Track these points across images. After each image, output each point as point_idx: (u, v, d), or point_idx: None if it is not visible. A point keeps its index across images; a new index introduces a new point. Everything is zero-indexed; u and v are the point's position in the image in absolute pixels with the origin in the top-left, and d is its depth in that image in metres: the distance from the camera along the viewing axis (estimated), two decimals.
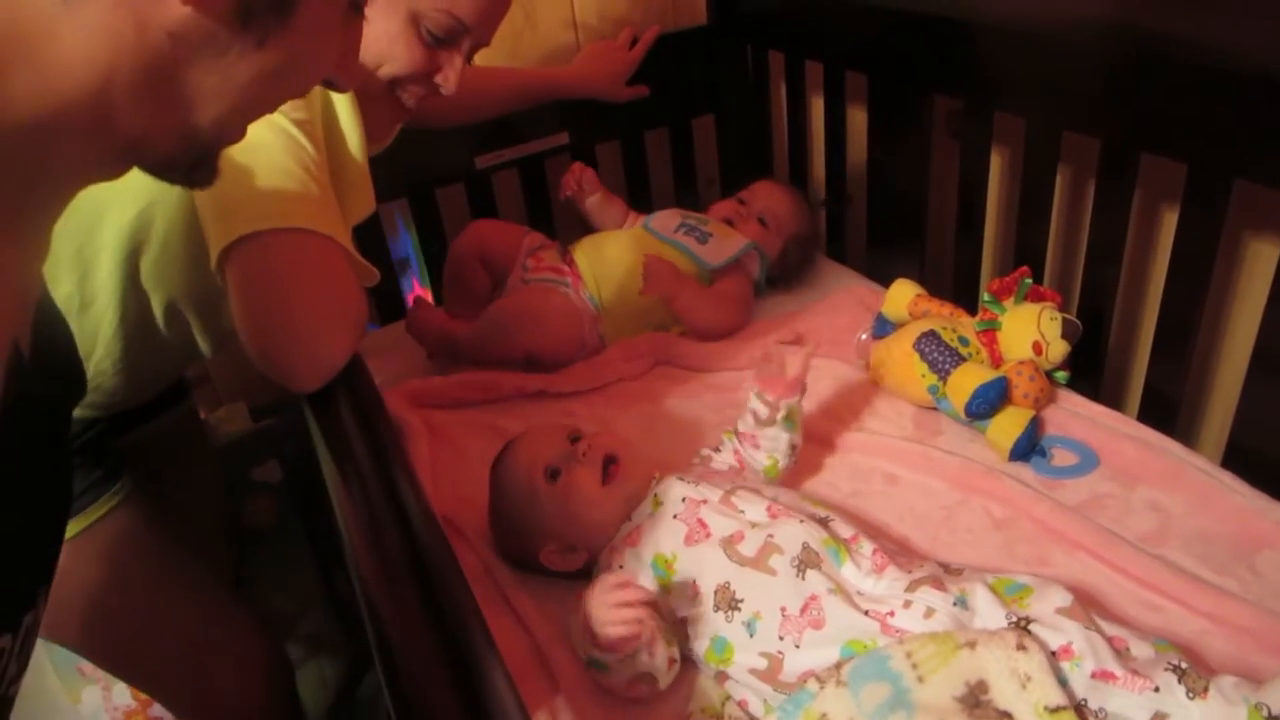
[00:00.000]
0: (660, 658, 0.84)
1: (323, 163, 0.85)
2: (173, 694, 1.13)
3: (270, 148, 0.81)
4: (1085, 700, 0.74)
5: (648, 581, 0.91)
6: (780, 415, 1.01)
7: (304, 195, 0.81)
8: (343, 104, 0.91)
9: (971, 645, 0.76)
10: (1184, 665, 0.74)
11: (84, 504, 0.96)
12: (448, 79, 0.99)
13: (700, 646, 0.87)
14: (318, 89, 0.88)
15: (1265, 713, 0.70)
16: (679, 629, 0.88)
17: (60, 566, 0.94)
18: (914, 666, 0.75)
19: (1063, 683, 0.75)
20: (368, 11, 0.92)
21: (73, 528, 0.95)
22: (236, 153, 0.80)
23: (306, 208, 0.80)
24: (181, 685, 1.11)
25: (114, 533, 0.99)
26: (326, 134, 0.88)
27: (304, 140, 0.83)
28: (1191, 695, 0.72)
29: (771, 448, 1.03)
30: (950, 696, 0.74)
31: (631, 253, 1.42)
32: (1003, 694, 0.73)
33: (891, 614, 0.81)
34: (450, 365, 1.38)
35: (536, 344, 1.33)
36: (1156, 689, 0.73)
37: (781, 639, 0.82)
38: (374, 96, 0.98)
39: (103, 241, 0.88)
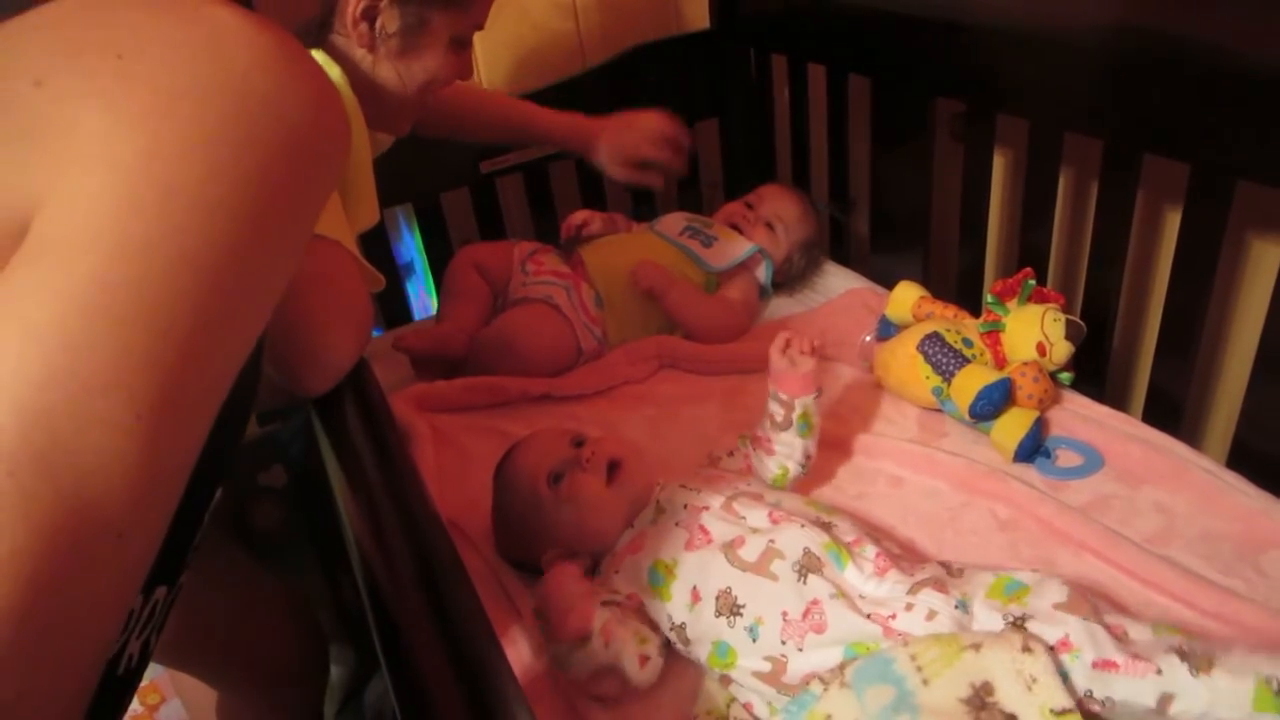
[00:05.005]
0: (625, 652, 0.84)
1: None
2: (218, 670, 1.14)
3: None
4: (1090, 691, 0.74)
5: (643, 588, 0.91)
6: (795, 415, 1.01)
7: None
8: (350, 112, 0.91)
9: (976, 647, 0.75)
10: (1185, 647, 0.73)
11: None
12: (468, 72, 1.11)
13: (703, 651, 0.87)
14: None
15: (1274, 686, 0.69)
16: (680, 633, 0.88)
17: None
18: (919, 669, 0.75)
19: (1064, 677, 0.74)
20: (416, 53, 1.00)
21: None
22: None
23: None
24: (226, 659, 1.12)
25: None
26: None
27: None
28: (1195, 673, 0.71)
29: (786, 454, 1.03)
30: (955, 699, 0.73)
31: (637, 253, 1.43)
32: (1008, 696, 0.73)
33: (894, 616, 0.81)
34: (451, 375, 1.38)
35: (525, 370, 1.34)
36: (1159, 671, 0.72)
37: (784, 643, 0.82)
38: (406, 106, 1.05)
39: None
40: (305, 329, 0.81)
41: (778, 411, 1.02)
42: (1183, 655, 0.73)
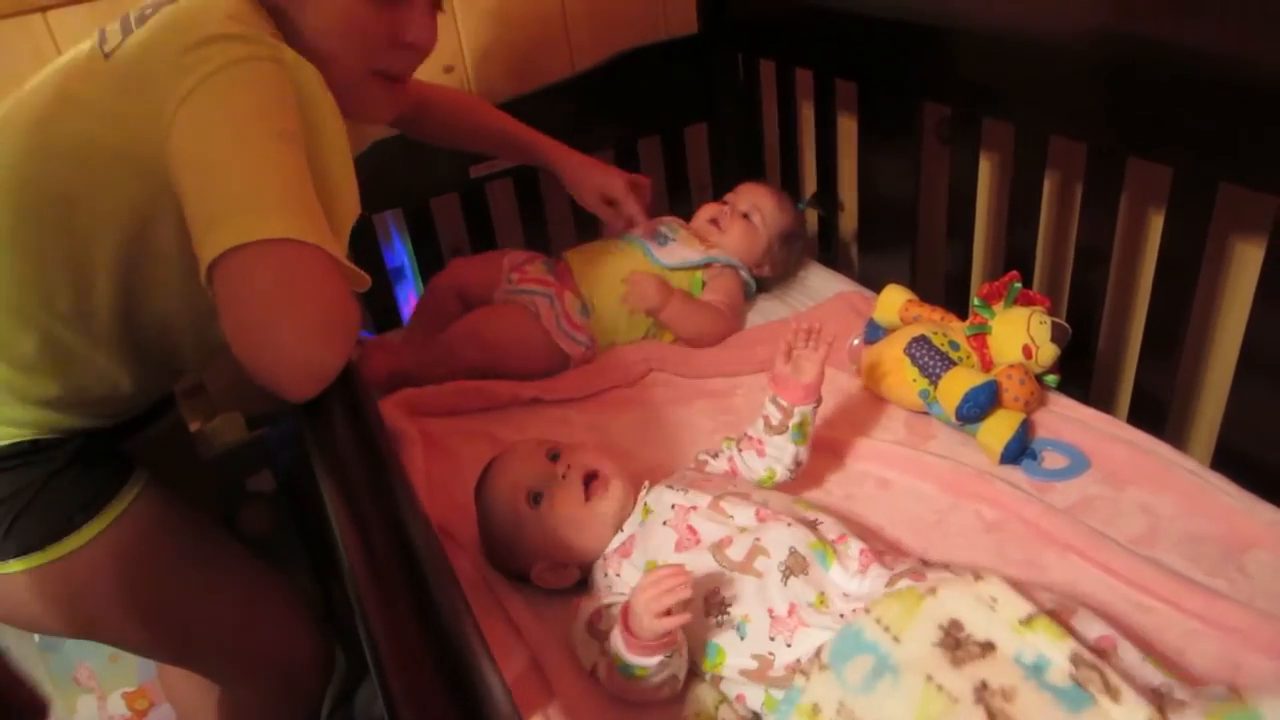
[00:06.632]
0: (684, 661, 0.85)
1: (307, 172, 0.85)
2: (226, 666, 1.15)
3: (254, 160, 0.80)
4: None
5: None
6: (793, 422, 1.01)
7: (289, 204, 0.80)
8: (327, 110, 0.90)
9: (933, 591, 0.77)
10: (1162, 690, 0.73)
11: (104, 500, 0.97)
12: (420, 35, 0.97)
13: (694, 653, 0.87)
14: (302, 102, 0.87)
15: None
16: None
17: (100, 565, 0.95)
18: (886, 629, 0.77)
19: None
20: (317, 4, 0.91)
21: (100, 524, 0.96)
22: (220, 166, 0.80)
23: (292, 217, 0.80)
24: (235, 655, 1.12)
25: (143, 520, 0.99)
26: (310, 141, 0.87)
27: (287, 151, 0.82)
28: None
29: (775, 457, 1.03)
30: (929, 644, 0.75)
31: (619, 259, 1.45)
32: (977, 625, 0.75)
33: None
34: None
35: (490, 361, 1.35)
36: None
37: (772, 639, 0.83)
38: (357, 86, 0.97)
39: (99, 257, 0.88)
40: (287, 336, 0.80)
41: (774, 415, 1.02)
42: (1153, 698, 0.72)
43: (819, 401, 1.03)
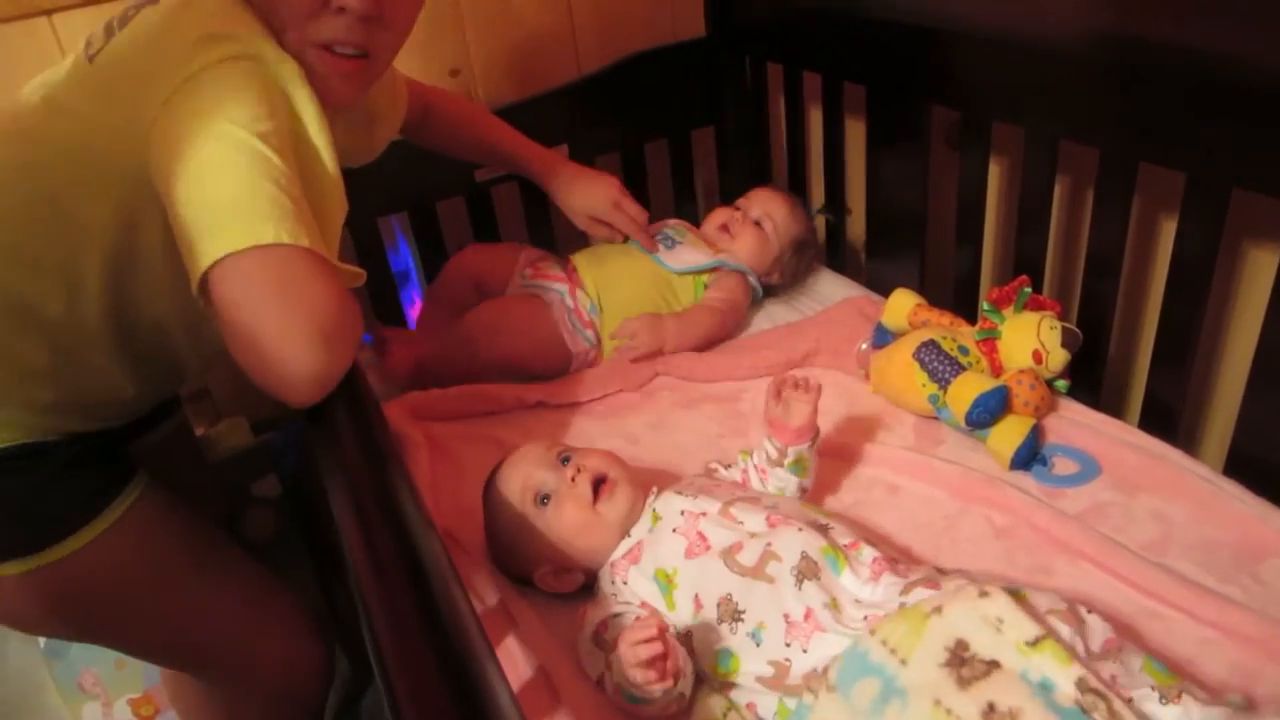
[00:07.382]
0: (690, 679, 0.84)
1: (293, 172, 0.84)
2: (226, 671, 1.14)
3: (236, 166, 0.79)
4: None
5: (652, 596, 0.90)
6: (788, 460, 1.02)
7: (275, 209, 0.79)
8: (308, 110, 0.89)
9: (939, 610, 0.76)
10: (1169, 685, 0.73)
11: (104, 503, 0.96)
12: None
13: (707, 661, 0.87)
14: (283, 100, 0.86)
15: None
16: (684, 643, 0.87)
17: (98, 568, 0.95)
18: (893, 652, 0.76)
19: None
20: None
21: (99, 527, 0.95)
22: (203, 174, 0.79)
23: (280, 221, 0.79)
24: (235, 660, 1.12)
25: (144, 523, 0.99)
26: (294, 142, 0.86)
27: (270, 153, 0.81)
28: (1165, 701, 0.72)
29: (780, 486, 1.04)
30: (936, 666, 0.74)
31: (625, 260, 1.46)
32: (982, 644, 0.74)
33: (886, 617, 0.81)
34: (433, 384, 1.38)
35: (505, 353, 1.35)
36: (1130, 700, 0.72)
37: (788, 645, 0.82)
38: (307, 63, 0.88)
39: (87, 262, 0.87)
40: (284, 343, 0.79)
41: (771, 451, 1.03)
42: (1154, 688, 0.73)
43: (815, 437, 1.03)
